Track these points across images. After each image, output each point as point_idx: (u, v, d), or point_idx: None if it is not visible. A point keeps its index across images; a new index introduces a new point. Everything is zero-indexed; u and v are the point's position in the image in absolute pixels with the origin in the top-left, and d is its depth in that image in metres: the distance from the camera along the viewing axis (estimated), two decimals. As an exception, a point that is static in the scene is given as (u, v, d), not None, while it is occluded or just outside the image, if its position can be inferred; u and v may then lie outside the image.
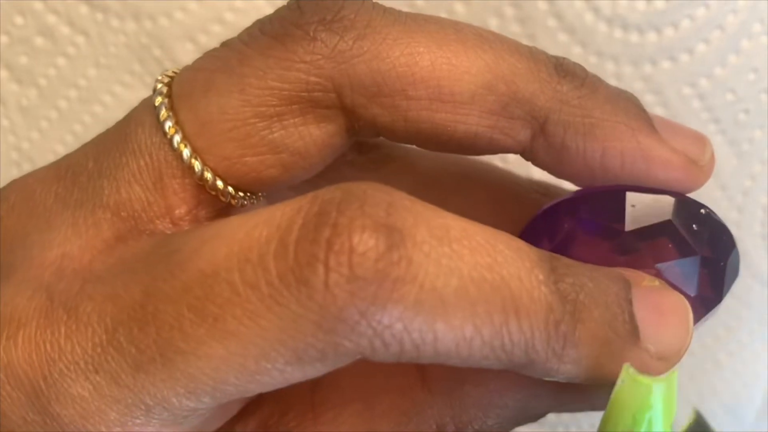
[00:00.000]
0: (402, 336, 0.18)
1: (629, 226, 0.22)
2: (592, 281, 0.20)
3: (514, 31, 0.29)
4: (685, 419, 0.20)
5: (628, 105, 0.22)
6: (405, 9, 0.29)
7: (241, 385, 0.19)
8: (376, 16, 0.21)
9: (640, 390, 0.19)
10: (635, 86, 0.30)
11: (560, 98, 0.22)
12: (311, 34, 0.21)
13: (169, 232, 0.22)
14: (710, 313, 0.23)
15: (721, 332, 0.33)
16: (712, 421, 0.34)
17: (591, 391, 0.22)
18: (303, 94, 0.21)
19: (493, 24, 0.29)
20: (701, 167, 0.22)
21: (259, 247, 0.18)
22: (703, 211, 0.22)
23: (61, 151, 0.32)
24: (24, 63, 0.31)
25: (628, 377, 0.19)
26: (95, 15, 0.30)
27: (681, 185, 0.22)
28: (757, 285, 0.33)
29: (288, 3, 0.22)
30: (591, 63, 0.29)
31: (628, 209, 0.22)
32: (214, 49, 0.23)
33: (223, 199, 0.22)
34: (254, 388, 0.19)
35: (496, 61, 0.21)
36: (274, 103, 0.21)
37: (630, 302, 0.21)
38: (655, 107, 0.30)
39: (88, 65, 0.31)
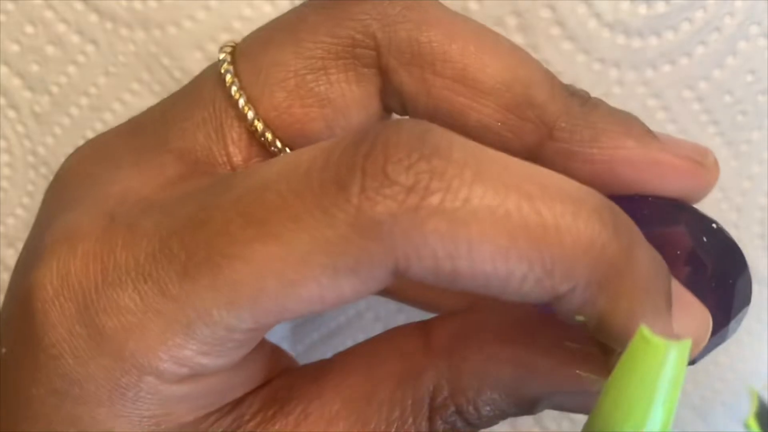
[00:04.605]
0: (435, 243, 0.18)
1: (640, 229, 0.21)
2: (643, 237, 0.20)
3: (516, 41, 0.28)
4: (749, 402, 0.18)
5: (629, 118, 0.23)
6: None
7: (280, 298, 0.19)
8: None
9: (655, 351, 0.17)
10: (637, 91, 0.29)
11: (568, 110, 0.22)
12: None
13: None
14: (717, 337, 0.21)
15: (720, 331, 0.33)
16: (712, 420, 0.33)
17: (585, 382, 0.21)
18: (348, 49, 0.22)
19: (496, 32, 0.28)
20: (708, 168, 0.22)
21: (306, 163, 0.19)
22: (714, 225, 0.22)
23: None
24: (35, 71, 0.30)
25: (642, 338, 0.17)
26: (104, 24, 0.29)
27: (690, 188, 0.22)
28: (756, 285, 0.32)
29: None
30: (595, 70, 0.29)
31: (641, 214, 0.21)
32: (281, 15, 0.23)
33: (270, 149, 0.22)
34: (292, 306, 0.19)
35: (519, 66, 0.22)
36: (323, 56, 0.22)
37: (670, 274, 0.20)
38: (656, 111, 0.29)
39: (97, 73, 0.30)
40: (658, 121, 0.29)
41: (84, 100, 0.30)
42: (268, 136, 0.22)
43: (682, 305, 0.20)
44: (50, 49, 0.30)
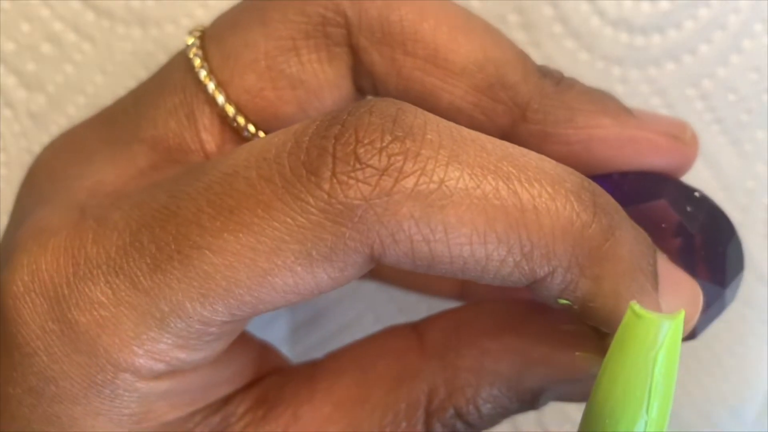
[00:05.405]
0: (410, 227, 0.18)
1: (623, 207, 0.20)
2: (625, 215, 0.19)
3: (518, 38, 0.28)
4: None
5: (605, 97, 0.22)
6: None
7: (254, 289, 0.18)
8: None
9: (647, 327, 0.17)
10: (641, 89, 0.28)
11: (541, 91, 0.22)
12: None
13: None
14: (715, 306, 0.21)
15: (724, 333, 0.32)
16: (716, 422, 0.32)
17: (586, 364, 0.21)
18: (319, 27, 0.21)
19: (498, 30, 0.28)
20: (686, 143, 0.22)
21: (276, 147, 0.18)
22: (697, 194, 0.21)
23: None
24: (32, 69, 0.30)
25: (634, 314, 0.17)
26: (101, 22, 0.29)
27: (670, 164, 0.22)
28: (760, 285, 0.32)
29: None
30: (598, 68, 0.28)
31: (621, 191, 0.21)
32: None
33: (243, 134, 0.22)
34: (267, 297, 0.18)
35: (492, 46, 0.21)
36: (293, 36, 0.21)
37: (655, 252, 0.20)
38: (660, 110, 0.29)
39: (95, 72, 0.30)
40: (661, 120, 0.29)
41: (81, 99, 0.30)
42: (240, 120, 0.22)
43: (670, 281, 0.20)
44: (46, 48, 0.29)
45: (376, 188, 0.17)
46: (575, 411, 0.32)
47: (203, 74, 0.21)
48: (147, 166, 0.21)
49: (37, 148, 0.31)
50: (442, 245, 0.18)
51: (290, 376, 0.23)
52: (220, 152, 0.22)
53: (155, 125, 0.22)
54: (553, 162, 0.19)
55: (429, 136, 0.18)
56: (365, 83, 0.22)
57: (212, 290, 0.18)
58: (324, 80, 0.22)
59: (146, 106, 0.22)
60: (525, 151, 0.19)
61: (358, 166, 0.18)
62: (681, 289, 0.20)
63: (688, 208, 0.21)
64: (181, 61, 0.22)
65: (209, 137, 0.22)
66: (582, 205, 0.18)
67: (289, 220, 0.18)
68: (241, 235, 0.18)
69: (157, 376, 0.20)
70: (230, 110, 0.21)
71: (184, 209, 0.19)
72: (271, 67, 0.21)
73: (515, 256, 0.18)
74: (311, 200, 0.18)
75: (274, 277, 0.18)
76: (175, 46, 0.29)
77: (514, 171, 0.18)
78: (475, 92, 0.21)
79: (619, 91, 0.28)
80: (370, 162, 0.18)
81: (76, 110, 0.30)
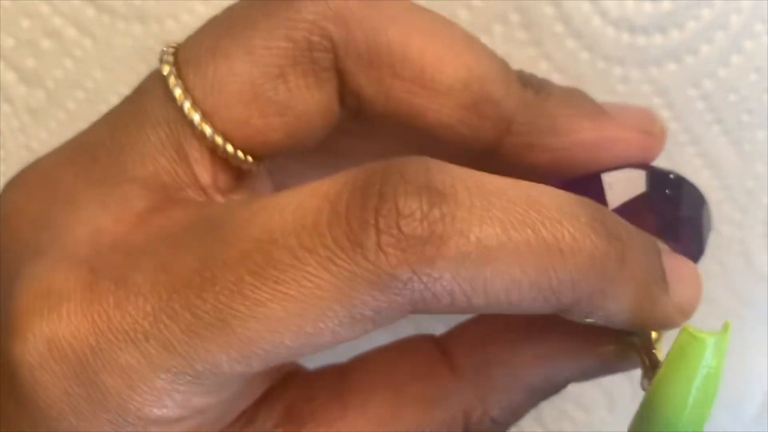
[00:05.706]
0: (452, 287, 0.18)
1: (612, 205, 0.23)
2: (630, 227, 0.21)
3: (519, 38, 0.28)
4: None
5: (581, 100, 0.23)
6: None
7: (294, 348, 0.19)
8: None
9: (701, 346, 0.19)
10: (642, 89, 0.29)
11: (524, 103, 0.22)
12: None
13: (201, 199, 0.22)
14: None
15: (724, 333, 0.32)
16: (715, 421, 0.32)
17: (609, 356, 0.22)
18: (305, 53, 0.21)
19: (497, 30, 0.28)
20: (657, 136, 0.23)
21: (312, 215, 0.19)
22: (671, 175, 0.23)
23: (70, 151, 0.30)
24: (31, 65, 0.30)
25: (688, 335, 0.20)
26: (101, 17, 0.29)
27: (642, 157, 0.23)
28: (759, 285, 0.32)
29: None
30: (599, 68, 0.28)
31: (607, 190, 0.23)
32: (218, 15, 0.22)
33: (233, 162, 0.22)
34: (305, 351, 0.19)
35: (476, 63, 0.22)
36: (279, 62, 0.21)
37: (660, 254, 0.21)
38: (661, 110, 0.29)
39: (94, 67, 0.30)
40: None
41: (80, 94, 0.30)
42: (229, 149, 0.21)
43: (676, 275, 0.21)
44: (46, 43, 0.29)
45: (421, 257, 0.18)
46: (575, 410, 0.32)
47: (187, 106, 0.21)
48: (144, 209, 0.21)
49: (35, 144, 0.31)
50: (480, 297, 0.19)
51: (316, 388, 0.23)
52: (214, 183, 0.22)
53: (143, 163, 0.21)
54: (565, 195, 0.20)
55: (460, 196, 0.19)
56: (351, 104, 0.22)
57: (253, 352, 0.19)
58: (312, 105, 0.22)
59: (128, 141, 0.21)
60: (542, 189, 0.20)
61: (401, 237, 0.18)
62: (685, 279, 0.22)
63: (668, 191, 0.23)
64: (157, 89, 0.21)
65: (202, 170, 0.21)
66: (598, 237, 0.19)
67: (334, 290, 0.18)
68: (286, 303, 0.18)
69: (183, 418, 0.20)
70: (219, 141, 0.21)
71: (223, 279, 0.19)
72: (257, 95, 0.21)
73: (545, 293, 0.19)
74: (357, 270, 0.18)
75: (317, 338, 0.19)
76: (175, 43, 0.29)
77: (538, 217, 0.19)
78: (461, 110, 0.22)
79: (620, 91, 0.29)
80: (414, 233, 0.18)
81: (76, 106, 0.30)
